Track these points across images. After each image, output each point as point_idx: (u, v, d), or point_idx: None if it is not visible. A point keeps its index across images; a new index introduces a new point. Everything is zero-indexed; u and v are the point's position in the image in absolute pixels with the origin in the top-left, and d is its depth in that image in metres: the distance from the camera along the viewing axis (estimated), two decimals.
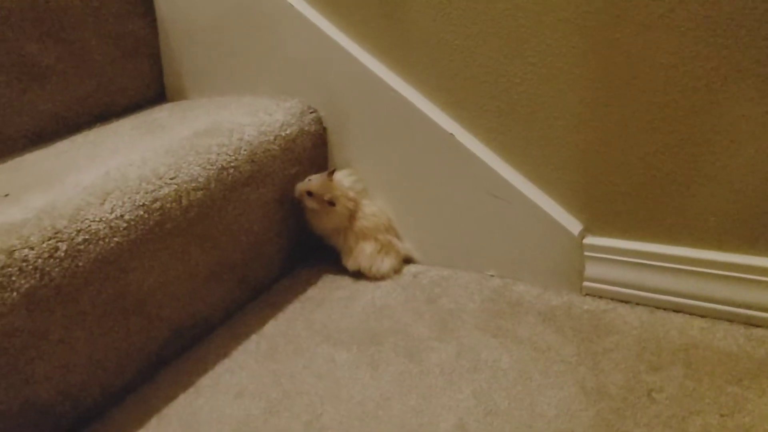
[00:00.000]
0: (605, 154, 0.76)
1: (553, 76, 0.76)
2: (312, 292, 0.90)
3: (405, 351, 0.74)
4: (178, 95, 1.10)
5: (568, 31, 0.73)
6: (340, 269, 0.92)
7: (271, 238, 0.90)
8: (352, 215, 0.89)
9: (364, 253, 0.89)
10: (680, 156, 0.72)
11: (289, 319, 0.83)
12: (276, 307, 0.86)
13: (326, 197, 0.87)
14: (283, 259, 0.94)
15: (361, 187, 0.94)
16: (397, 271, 0.91)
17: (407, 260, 0.94)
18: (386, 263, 0.90)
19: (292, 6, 0.91)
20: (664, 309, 0.77)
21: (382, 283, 0.89)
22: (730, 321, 0.73)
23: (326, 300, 0.87)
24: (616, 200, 0.77)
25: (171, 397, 0.70)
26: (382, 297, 0.86)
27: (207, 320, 0.81)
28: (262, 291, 0.91)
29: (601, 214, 0.79)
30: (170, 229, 0.73)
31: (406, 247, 0.93)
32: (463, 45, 0.81)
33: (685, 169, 0.72)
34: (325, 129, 0.96)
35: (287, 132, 0.90)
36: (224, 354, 0.77)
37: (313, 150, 0.95)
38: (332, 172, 0.89)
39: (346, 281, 0.91)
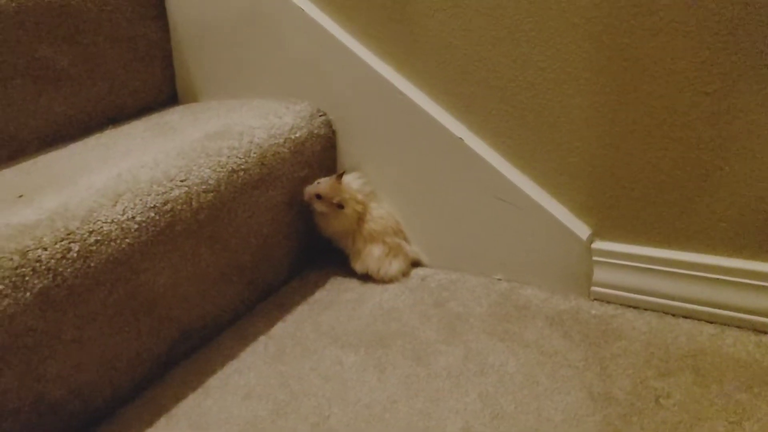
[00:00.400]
0: (614, 158, 0.76)
1: (562, 81, 0.76)
2: (320, 294, 0.90)
3: (412, 354, 0.74)
4: (190, 98, 1.11)
5: (578, 36, 0.73)
6: (348, 272, 0.93)
7: (280, 240, 0.91)
8: (360, 218, 0.90)
9: (372, 256, 0.90)
10: (690, 161, 0.72)
11: (297, 321, 0.84)
12: (284, 308, 0.87)
13: (335, 200, 0.87)
14: (292, 261, 0.95)
15: (369, 190, 0.94)
16: (405, 274, 0.92)
17: (415, 263, 0.94)
18: (394, 266, 0.90)
19: (302, 10, 0.91)
20: (673, 315, 0.76)
21: (390, 286, 0.90)
22: (740, 327, 0.73)
23: (334, 302, 0.87)
24: (625, 205, 0.77)
25: (180, 397, 0.71)
26: (389, 300, 0.86)
27: (216, 321, 0.82)
28: (271, 293, 0.91)
29: (610, 219, 0.79)
30: (180, 230, 0.73)
31: (415, 250, 0.94)
32: (472, 49, 0.81)
33: (695, 175, 0.72)
34: (334, 132, 0.97)
35: (297, 135, 0.90)
36: (232, 355, 0.77)
37: (322, 153, 0.95)
38: (341, 175, 0.90)
39: (354, 284, 0.91)
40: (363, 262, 0.90)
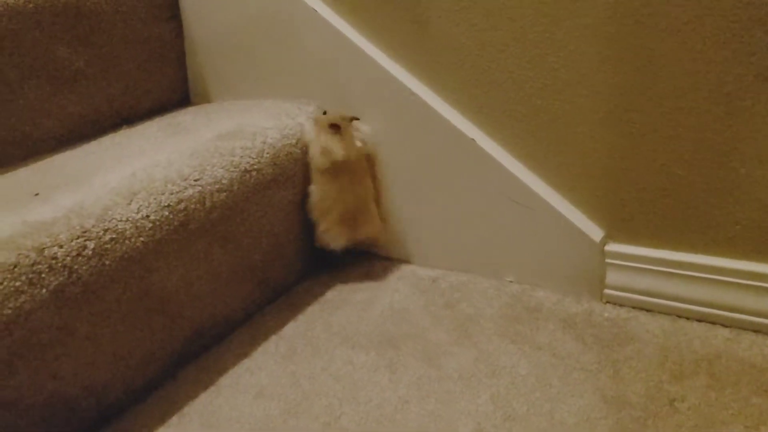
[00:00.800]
0: (628, 160, 0.75)
1: (575, 82, 0.75)
2: (331, 294, 0.90)
3: (423, 355, 0.74)
4: (202, 98, 1.12)
5: (591, 37, 0.73)
6: (359, 272, 0.93)
7: (291, 240, 0.91)
8: (342, 167, 0.87)
9: (326, 221, 0.90)
10: (704, 163, 0.71)
11: (308, 321, 0.84)
12: (295, 308, 0.87)
13: (333, 121, 0.87)
14: (303, 261, 0.95)
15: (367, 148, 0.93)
16: (347, 249, 0.92)
17: (372, 242, 0.95)
18: (339, 241, 0.90)
19: (315, 11, 0.92)
20: (687, 318, 0.76)
21: (401, 287, 0.89)
22: (756, 331, 0.72)
23: (345, 303, 0.87)
24: (639, 207, 0.77)
25: (192, 396, 0.71)
26: (400, 301, 0.86)
27: (228, 320, 0.82)
28: (282, 293, 0.92)
29: (623, 221, 0.79)
30: (194, 229, 0.74)
31: (366, 230, 0.92)
32: (485, 50, 0.81)
33: (710, 177, 0.71)
34: None
35: None
36: (244, 354, 0.78)
37: None
38: (354, 118, 0.89)
39: (364, 284, 0.91)
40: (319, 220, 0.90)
